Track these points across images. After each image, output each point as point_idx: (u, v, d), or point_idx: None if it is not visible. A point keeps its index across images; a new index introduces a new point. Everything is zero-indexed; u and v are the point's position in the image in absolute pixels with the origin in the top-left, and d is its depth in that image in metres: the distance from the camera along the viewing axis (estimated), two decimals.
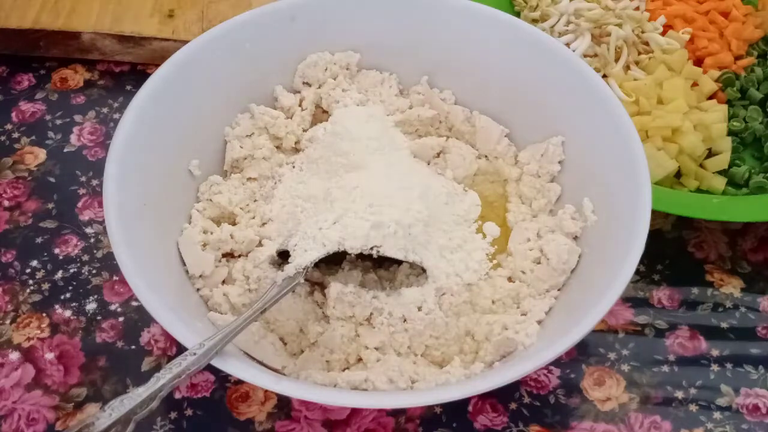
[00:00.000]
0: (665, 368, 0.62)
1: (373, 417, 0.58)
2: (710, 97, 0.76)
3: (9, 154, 0.73)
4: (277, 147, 0.67)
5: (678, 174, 0.71)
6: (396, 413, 0.59)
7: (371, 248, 0.56)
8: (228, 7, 0.81)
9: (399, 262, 0.58)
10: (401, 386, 0.52)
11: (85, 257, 0.66)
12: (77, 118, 0.76)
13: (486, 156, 0.68)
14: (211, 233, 0.60)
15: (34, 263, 0.66)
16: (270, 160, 0.66)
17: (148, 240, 0.56)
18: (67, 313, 0.63)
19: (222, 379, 0.60)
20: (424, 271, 0.58)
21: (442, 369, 0.54)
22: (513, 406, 0.59)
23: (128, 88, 0.79)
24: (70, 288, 0.65)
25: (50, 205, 0.70)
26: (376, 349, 0.56)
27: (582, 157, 0.63)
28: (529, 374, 0.57)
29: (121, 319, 0.63)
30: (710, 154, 0.73)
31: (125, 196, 0.55)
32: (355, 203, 0.58)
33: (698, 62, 0.79)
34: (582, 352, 0.62)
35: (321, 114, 0.69)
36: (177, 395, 0.59)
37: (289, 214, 0.62)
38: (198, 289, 0.58)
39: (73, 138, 0.75)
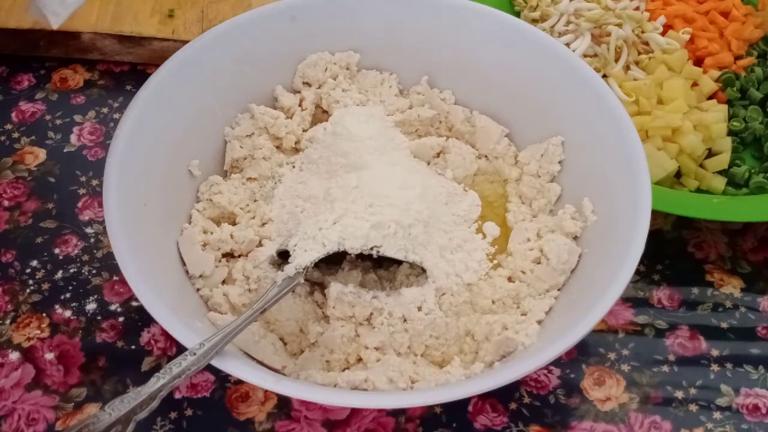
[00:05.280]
0: (665, 368, 0.62)
1: (373, 417, 0.58)
2: (710, 97, 0.76)
3: (9, 154, 0.73)
4: (277, 147, 0.67)
5: (678, 174, 0.71)
6: (396, 413, 0.59)
7: (371, 248, 0.56)
8: (228, 7, 0.81)
9: (399, 262, 0.58)
10: (401, 386, 0.52)
11: (85, 257, 0.66)
12: (77, 118, 0.76)
13: (486, 156, 0.68)
14: (211, 233, 0.60)
15: (34, 263, 0.66)
16: (270, 160, 0.66)
17: (148, 240, 0.56)
18: (67, 313, 0.63)
19: (222, 379, 0.60)
20: (424, 271, 0.58)
21: (442, 369, 0.54)
22: (513, 406, 0.59)
23: (128, 88, 0.79)
24: (70, 288, 0.65)
25: (50, 205, 0.70)
26: (376, 349, 0.56)
27: (582, 157, 0.63)
28: (529, 374, 0.57)
29: (121, 319, 0.63)
30: (710, 154, 0.73)
31: (125, 196, 0.55)
32: (355, 203, 0.58)
33: (698, 62, 0.79)
34: (582, 352, 0.62)
35: (321, 114, 0.69)
36: (177, 395, 0.59)
37: (289, 214, 0.62)
38: (198, 289, 0.58)
39: (73, 138, 0.75)
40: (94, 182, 0.71)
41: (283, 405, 0.59)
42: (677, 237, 0.69)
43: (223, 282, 0.59)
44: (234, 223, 0.63)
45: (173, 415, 0.58)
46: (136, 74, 0.80)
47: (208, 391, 0.60)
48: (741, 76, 0.77)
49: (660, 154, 0.70)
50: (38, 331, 0.62)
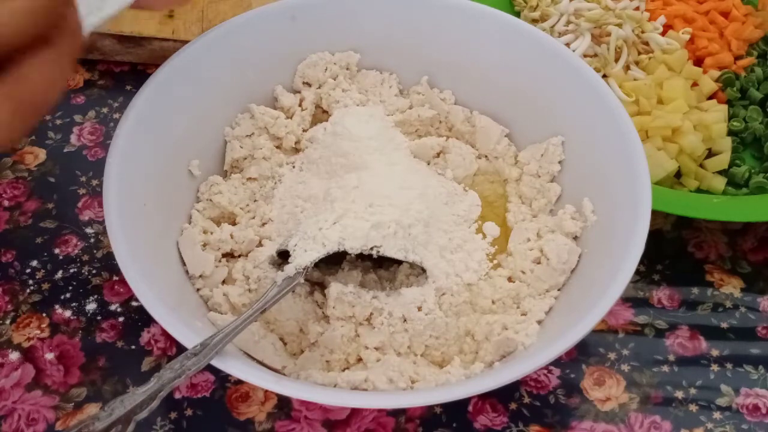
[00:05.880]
0: (665, 368, 0.62)
1: (373, 417, 0.58)
2: (710, 97, 0.76)
3: (9, 154, 0.73)
4: (277, 147, 0.67)
5: (678, 174, 0.71)
6: (396, 413, 0.59)
7: (371, 248, 0.56)
8: (228, 7, 0.81)
9: (399, 262, 0.58)
10: (401, 386, 0.52)
11: (85, 257, 0.66)
12: (77, 118, 0.76)
13: (486, 156, 0.68)
14: (211, 233, 0.60)
15: (34, 263, 0.66)
16: (270, 160, 0.66)
17: (148, 240, 0.56)
18: (67, 313, 0.63)
19: (222, 379, 0.60)
20: (424, 271, 0.58)
21: (442, 369, 0.54)
22: (513, 406, 0.59)
23: (128, 88, 0.79)
24: (70, 288, 0.65)
25: (50, 205, 0.70)
26: (376, 349, 0.56)
27: (582, 157, 0.63)
28: (529, 374, 0.57)
29: (121, 319, 0.63)
30: (710, 154, 0.73)
31: (125, 196, 0.55)
32: (355, 203, 0.58)
33: (698, 62, 0.79)
34: (582, 352, 0.62)
35: (321, 114, 0.70)
36: (177, 395, 0.59)
37: (289, 214, 0.62)
38: (198, 289, 0.58)
39: (73, 138, 0.75)
40: (94, 182, 0.71)
41: (283, 405, 0.59)
42: (677, 237, 0.69)
43: (223, 282, 0.59)
44: (234, 223, 0.63)
45: (173, 415, 0.58)
46: (136, 74, 0.80)
47: (208, 391, 0.60)
48: (741, 76, 0.77)
49: (660, 154, 0.70)
50: (38, 331, 0.62)
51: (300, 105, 0.68)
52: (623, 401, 0.60)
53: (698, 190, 0.71)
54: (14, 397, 0.59)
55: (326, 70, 0.68)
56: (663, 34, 0.79)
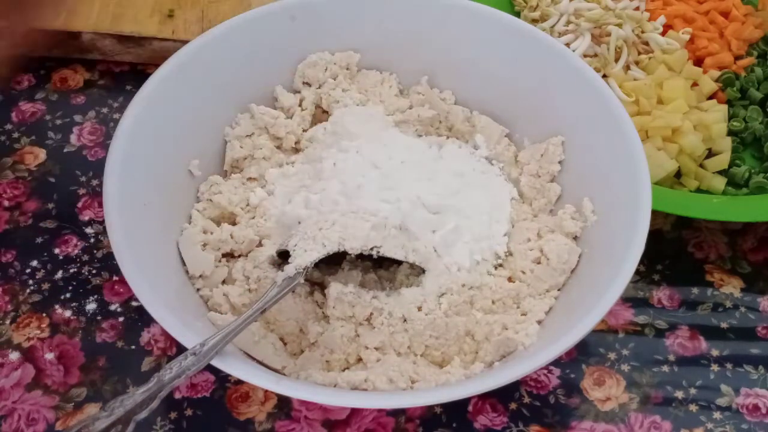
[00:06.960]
0: (665, 368, 0.62)
1: (373, 417, 0.58)
2: (710, 97, 0.76)
3: (9, 154, 0.73)
4: (277, 147, 0.67)
5: (678, 174, 0.71)
6: (396, 413, 0.59)
7: (371, 248, 0.56)
8: (228, 7, 0.81)
9: (399, 262, 0.58)
10: (401, 386, 0.52)
11: (85, 257, 0.66)
12: (77, 118, 0.76)
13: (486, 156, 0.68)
14: (211, 233, 0.60)
15: (34, 263, 0.66)
16: (270, 160, 0.66)
17: (148, 240, 0.56)
18: (67, 313, 0.63)
19: (222, 379, 0.60)
20: (424, 271, 0.58)
21: (442, 369, 0.54)
22: (513, 406, 0.59)
23: (128, 88, 0.79)
24: (70, 288, 0.65)
25: (50, 205, 0.70)
26: (376, 349, 0.56)
27: (582, 157, 0.63)
28: (529, 374, 0.57)
29: (121, 319, 0.63)
30: (710, 154, 0.73)
31: (125, 196, 0.55)
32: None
33: (698, 62, 0.79)
34: (582, 352, 0.62)
35: (321, 114, 0.69)
36: (177, 395, 0.59)
37: None
38: (198, 289, 0.58)
39: (73, 138, 0.75)
40: (94, 182, 0.71)
41: (283, 405, 0.59)
42: (677, 237, 0.69)
43: (223, 282, 0.59)
44: (234, 223, 0.63)
45: (173, 415, 0.58)
46: (136, 74, 0.80)
47: (208, 391, 0.60)
48: (741, 76, 0.77)
49: (660, 154, 0.70)
50: (38, 331, 0.62)
51: (300, 105, 0.68)
52: (623, 401, 0.60)
53: (698, 190, 0.71)
54: (14, 397, 0.59)
55: (326, 70, 0.68)
56: (663, 34, 0.79)
